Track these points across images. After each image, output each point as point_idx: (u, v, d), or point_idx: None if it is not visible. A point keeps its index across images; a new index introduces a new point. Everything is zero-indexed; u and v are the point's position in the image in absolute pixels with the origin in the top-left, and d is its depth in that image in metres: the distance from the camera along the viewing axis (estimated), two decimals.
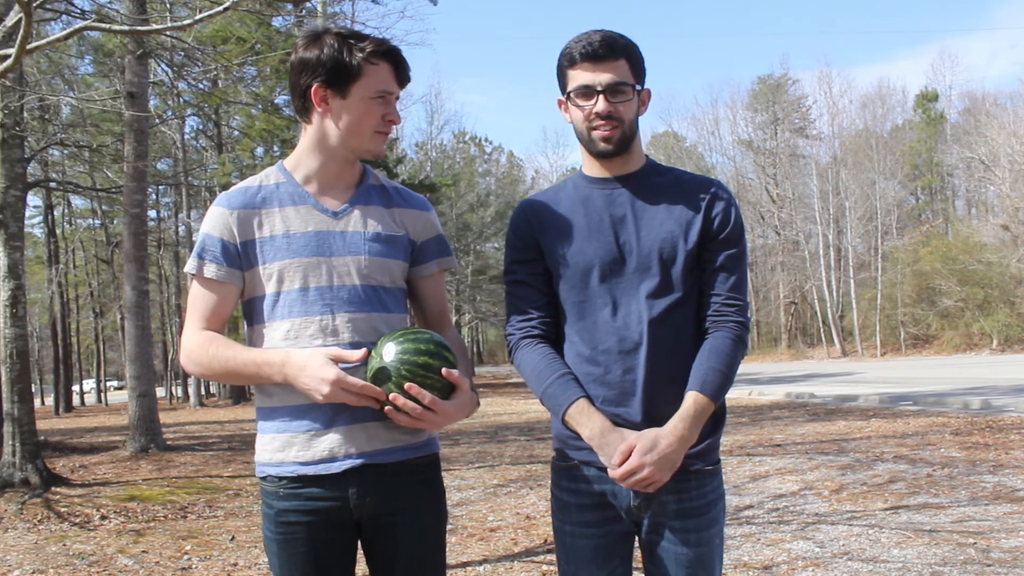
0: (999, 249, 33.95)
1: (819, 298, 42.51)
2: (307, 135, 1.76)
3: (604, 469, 1.68)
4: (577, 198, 1.79)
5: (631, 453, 1.62)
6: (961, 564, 4.02)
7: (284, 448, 1.67)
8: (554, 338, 1.80)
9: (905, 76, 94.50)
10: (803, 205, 45.61)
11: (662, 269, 1.71)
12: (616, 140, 1.72)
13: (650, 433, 1.64)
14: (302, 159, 1.78)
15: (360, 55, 1.71)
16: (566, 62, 1.75)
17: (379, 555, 1.73)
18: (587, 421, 1.66)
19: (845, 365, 31.05)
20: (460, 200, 35.37)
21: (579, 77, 1.72)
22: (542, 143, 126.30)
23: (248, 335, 1.77)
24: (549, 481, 1.84)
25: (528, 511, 6.08)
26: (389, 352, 1.61)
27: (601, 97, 1.70)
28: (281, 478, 1.67)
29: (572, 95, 1.74)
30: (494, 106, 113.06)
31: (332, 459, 1.65)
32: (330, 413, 1.65)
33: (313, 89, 1.70)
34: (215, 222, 1.73)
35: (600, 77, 1.70)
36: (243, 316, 1.80)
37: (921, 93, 51.32)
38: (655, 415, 1.68)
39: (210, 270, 1.72)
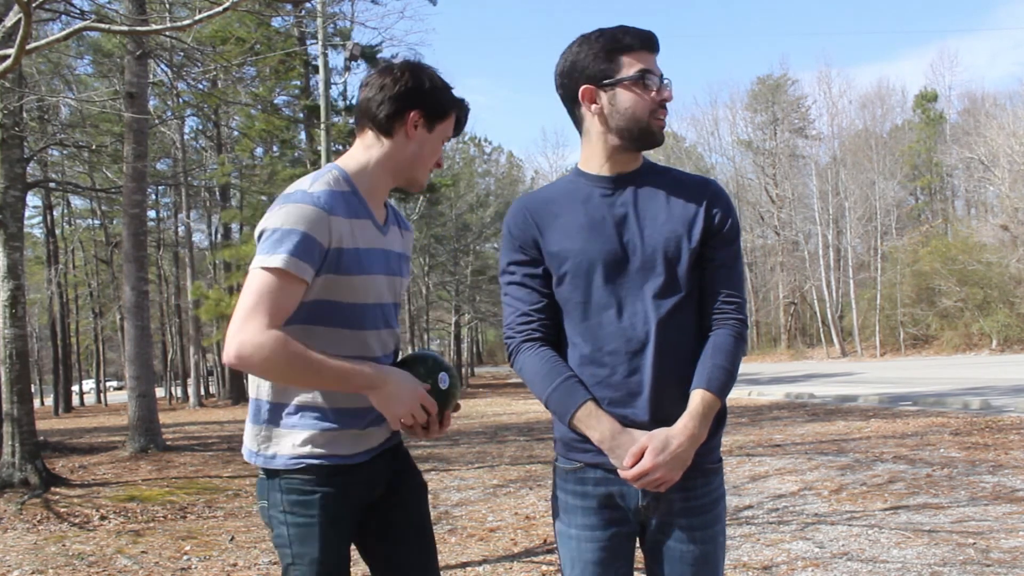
0: (998, 249, 33.96)
1: (819, 298, 42.53)
2: (380, 150, 1.84)
3: (612, 471, 1.67)
4: (577, 196, 1.75)
5: (643, 454, 1.62)
6: (961, 564, 4.02)
7: (329, 443, 1.79)
8: (555, 340, 1.76)
9: (905, 76, 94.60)
10: (802, 205, 45.62)
11: (667, 268, 1.70)
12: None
13: (661, 433, 1.64)
14: (369, 172, 1.84)
15: (450, 99, 1.86)
16: (615, 48, 1.70)
17: (395, 525, 1.93)
18: (596, 424, 1.65)
19: (845, 365, 31.06)
20: (460, 200, 35.35)
21: (639, 62, 1.69)
22: (541, 143, 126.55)
23: (297, 333, 1.71)
24: (550, 483, 1.83)
25: (528, 511, 6.08)
26: (444, 380, 1.87)
27: (668, 85, 1.71)
28: (323, 467, 1.79)
29: (629, 82, 1.69)
30: (494, 106, 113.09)
31: (368, 451, 1.86)
32: (369, 416, 1.83)
33: (412, 115, 1.81)
34: (313, 223, 1.70)
35: (658, 67, 1.72)
36: (299, 314, 1.75)
37: (921, 93, 51.35)
38: (662, 415, 1.67)
39: (303, 270, 1.70)
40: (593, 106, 1.71)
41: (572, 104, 1.76)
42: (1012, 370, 18.59)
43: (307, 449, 1.78)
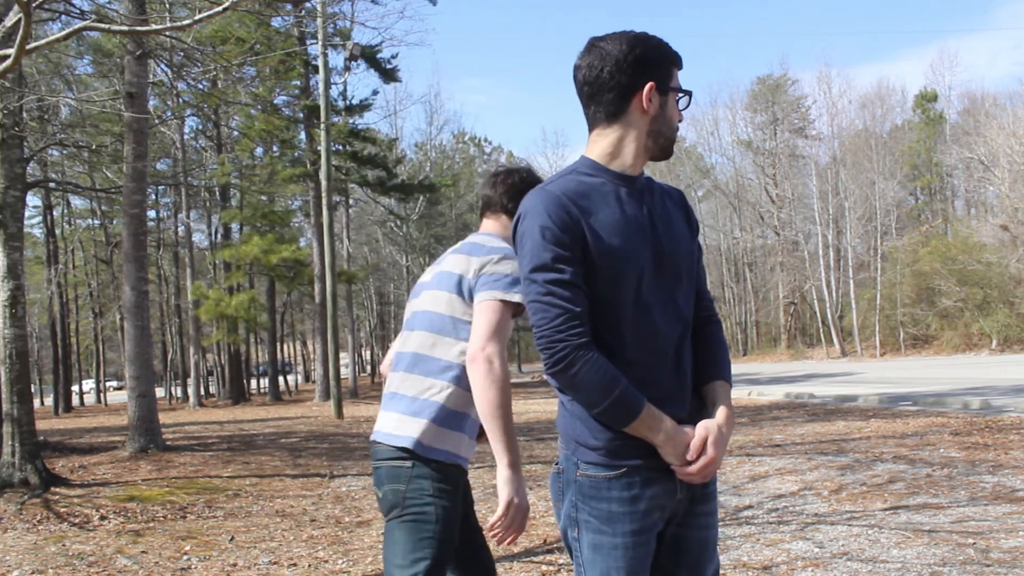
0: (998, 249, 33.95)
1: (818, 298, 42.53)
2: None
3: (657, 469, 1.69)
4: (607, 192, 1.72)
5: (704, 446, 1.67)
6: (960, 564, 4.02)
7: (467, 449, 2.30)
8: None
9: (904, 76, 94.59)
10: (802, 205, 45.62)
11: (687, 271, 1.79)
12: None
13: (712, 424, 1.71)
14: None
15: None
16: (671, 60, 1.77)
17: (470, 507, 2.45)
18: (659, 424, 1.65)
19: (844, 365, 31.06)
20: (459, 200, 35.38)
21: (680, 80, 1.78)
22: (541, 143, 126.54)
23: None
24: (570, 497, 1.72)
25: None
26: None
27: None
28: (461, 467, 2.28)
29: (673, 94, 1.77)
30: (494, 106, 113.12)
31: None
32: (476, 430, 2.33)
33: None
34: None
35: None
36: None
37: (920, 93, 51.35)
38: (694, 411, 1.76)
39: None
40: (648, 104, 1.72)
41: (623, 94, 1.72)
42: (1012, 370, 18.59)
43: (459, 451, 2.26)
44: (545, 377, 1.80)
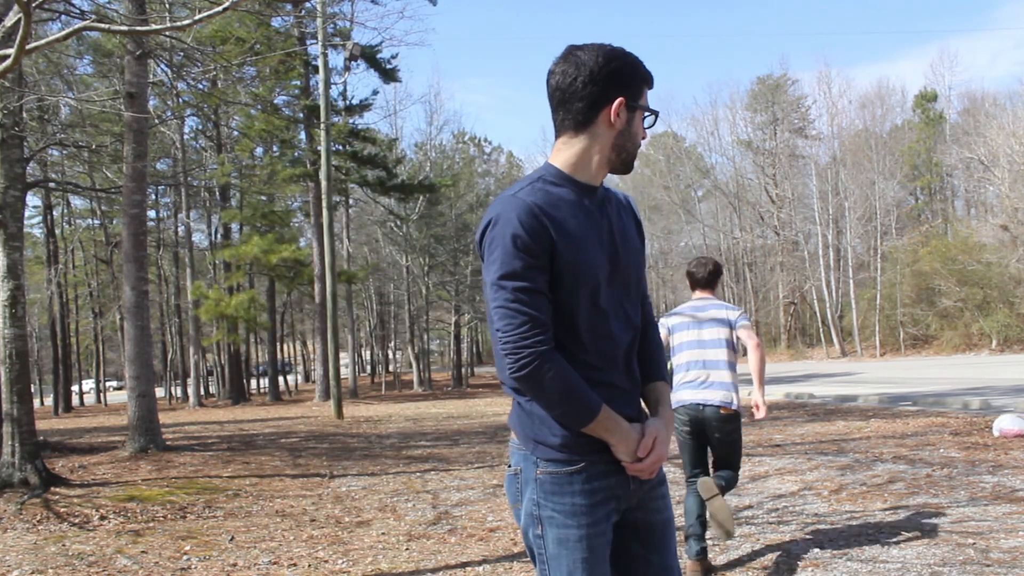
0: (998, 249, 33.94)
1: (818, 298, 42.53)
2: None
3: (612, 462, 1.77)
4: (573, 202, 1.77)
5: (653, 444, 1.77)
6: (960, 564, 4.02)
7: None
8: None
9: (904, 76, 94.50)
10: (802, 205, 45.60)
11: (637, 279, 1.89)
12: None
13: (657, 423, 1.83)
14: None
15: None
16: (642, 79, 1.82)
17: None
18: (616, 424, 1.74)
19: (844, 365, 31.06)
20: (459, 200, 35.34)
21: (648, 100, 1.85)
22: (541, 143, 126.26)
23: None
24: (530, 496, 1.77)
25: None
26: None
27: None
28: None
29: (640, 112, 1.82)
30: (495, 106, 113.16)
31: None
32: None
33: None
34: None
35: None
36: None
37: (920, 93, 51.33)
38: (641, 411, 1.89)
39: None
40: (616, 118, 1.78)
41: (593, 105, 1.77)
42: (1012, 370, 18.59)
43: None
44: (503, 380, 1.77)
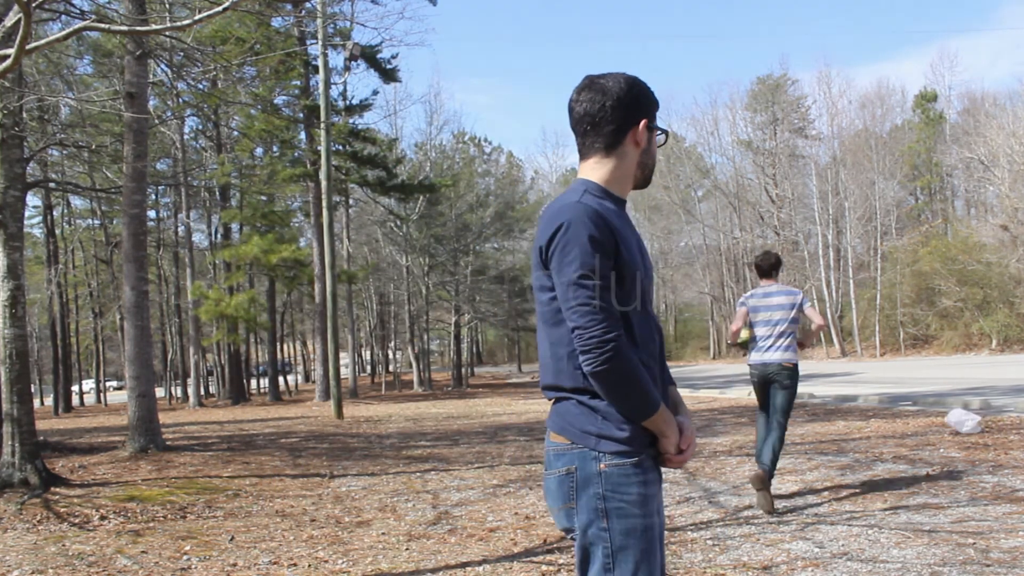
0: (998, 249, 33.92)
1: (818, 298, 42.49)
2: None
3: (655, 455, 1.93)
4: (617, 213, 1.96)
5: (690, 439, 1.96)
6: (960, 564, 4.02)
7: None
8: None
9: (904, 76, 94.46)
10: (802, 205, 45.57)
11: (652, 285, 2.07)
12: None
13: (686, 420, 2.00)
14: None
15: None
16: (655, 103, 2.05)
17: None
18: (669, 417, 1.91)
19: (844, 365, 31.05)
20: (459, 200, 35.32)
21: (660, 123, 2.07)
22: (541, 143, 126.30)
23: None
24: (595, 491, 1.86)
25: (528, 511, 6.08)
26: None
27: None
28: None
29: (655, 132, 2.04)
30: (495, 106, 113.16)
31: None
32: None
33: None
34: None
35: None
36: None
37: (920, 93, 51.32)
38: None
39: None
40: (641, 139, 2.00)
41: (620, 127, 1.98)
42: (1012, 370, 18.59)
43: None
44: (557, 383, 1.91)
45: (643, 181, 2.06)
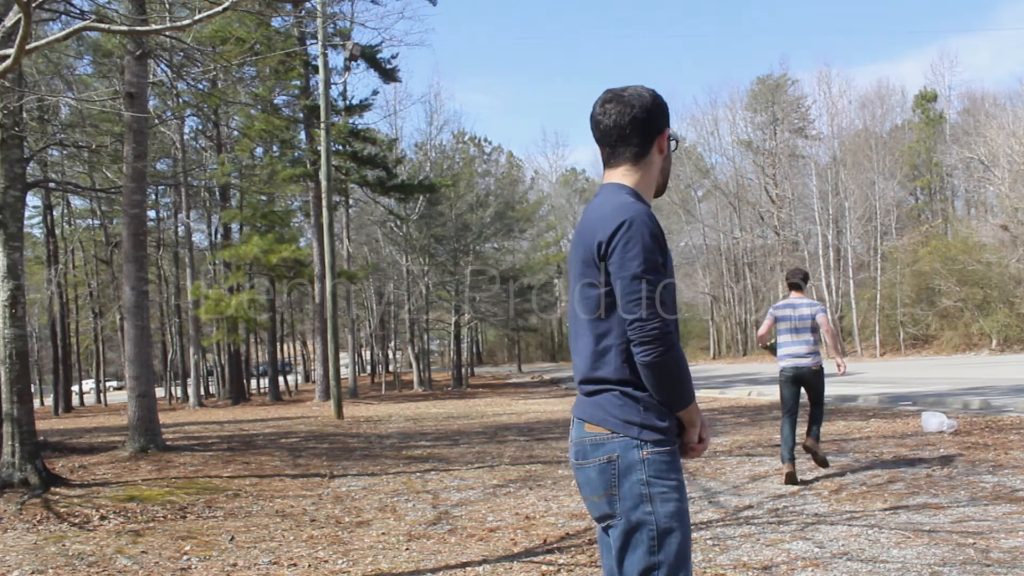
0: (998, 249, 33.91)
1: (818, 298, 42.51)
2: None
3: (679, 445, 2.07)
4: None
5: (708, 429, 2.13)
6: (960, 564, 4.02)
7: None
8: None
9: (904, 76, 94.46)
10: (802, 205, 45.57)
11: None
12: None
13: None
14: None
15: None
16: (669, 113, 2.18)
17: None
18: (698, 409, 2.06)
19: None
20: (459, 200, 35.29)
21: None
22: (541, 143, 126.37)
23: None
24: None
25: (528, 511, 6.08)
26: None
27: None
28: None
29: (671, 140, 2.17)
30: (495, 105, 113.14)
31: None
32: None
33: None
34: None
35: None
36: None
37: (920, 93, 51.28)
38: None
39: None
40: (664, 147, 2.13)
41: (645, 136, 2.09)
42: (1012, 370, 18.59)
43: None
44: (600, 376, 1.99)
45: (662, 187, 2.18)
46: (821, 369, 6.71)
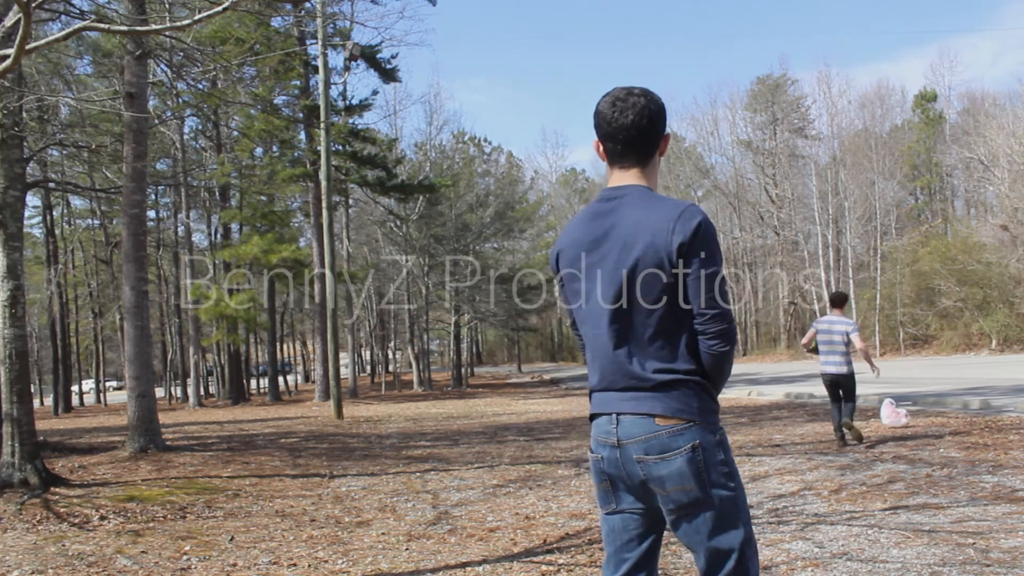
0: (998, 249, 33.90)
1: (818, 298, 42.51)
2: None
3: None
4: None
5: None
6: (960, 564, 4.02)
7: None
8: None
9: (904, 76, 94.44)
10: (802, 205, 45.56)
11: None
12: None
13: None
14: None
15: None
16: None
17: None
18: None
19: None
20: (459, 200, 35.28)
21: None
22: (541, 143, 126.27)
23: None
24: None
25: (527, 511, 6.08)
26: None
27: None
28: None
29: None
30: (495, 105, 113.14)
31: None
32: None
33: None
34: None
35: None
36: None
37: (920, 93, 51.29)
38: None
39: None
40: (663, 150, 2.21)
41: (652, 138, 2.15)
42: (1012, 370, 18.59)
43: None
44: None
45: (653, 188, 2.25)
46: (852, 374, 8.24)
